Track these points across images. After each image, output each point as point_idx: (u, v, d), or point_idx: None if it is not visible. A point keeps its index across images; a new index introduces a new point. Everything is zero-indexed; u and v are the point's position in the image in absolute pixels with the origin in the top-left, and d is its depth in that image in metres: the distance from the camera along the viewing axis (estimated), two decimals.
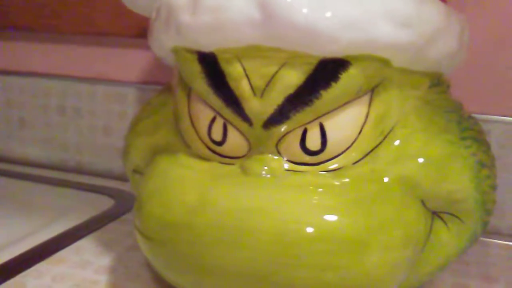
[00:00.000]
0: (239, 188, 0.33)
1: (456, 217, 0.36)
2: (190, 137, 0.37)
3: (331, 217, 0.32)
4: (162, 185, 0.36)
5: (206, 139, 0.36)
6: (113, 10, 0.63)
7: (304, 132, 0.33)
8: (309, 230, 0.31)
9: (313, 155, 0.34)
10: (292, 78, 0.32)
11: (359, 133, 0.34)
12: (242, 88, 0.33)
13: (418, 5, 0.32)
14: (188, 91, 0.37)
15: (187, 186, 0.35)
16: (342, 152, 0.34)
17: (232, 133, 0.35)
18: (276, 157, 0.34)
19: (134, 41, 0.64)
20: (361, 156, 0.34)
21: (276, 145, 0.34)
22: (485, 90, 0.53)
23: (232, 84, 0.33)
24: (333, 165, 0.34)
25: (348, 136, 0.34)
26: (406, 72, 0.34)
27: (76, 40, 0.67)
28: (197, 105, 0.36)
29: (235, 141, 0.35)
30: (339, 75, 0.32)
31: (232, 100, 0.33)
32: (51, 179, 0.67)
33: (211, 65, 0.33)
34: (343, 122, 0.33)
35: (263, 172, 0.34)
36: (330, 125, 0.33)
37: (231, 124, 0.35)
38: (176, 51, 0.36)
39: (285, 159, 0.34)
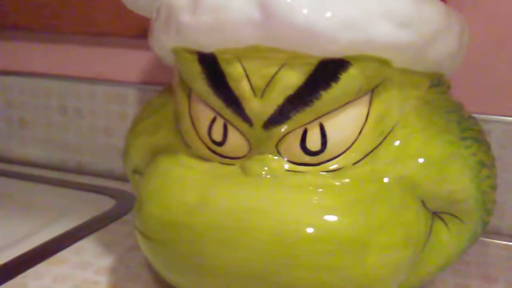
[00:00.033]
0: (239, 188, 0.33)
1: (456, 217, 0.36)
2: (190, 137, 0.37)
3: (331, 218, 0.32)
4: (162, 185, 0.36)
5: (207, 140, 0.36)
6: (113, 10, 0.63)
7: (304, 133, 0.33)
8: (309, 230, 0.31)
9: (313, 156, 0.34)
10: (292, 79, 0.32)
11: (359, 133, 0.34)
12: (242, 88, 0.33)
13: (418, 5, 0.32)
14: (189, 92, 0.37)
15: (187, 186, 0.35)
16: (342, 153, 0.34)
17: (233, 134, 0.35)
18: (276, 158, 0.34)
19: (134, 42, 0.64)
20: (361, 157, 0.34)
21: (276, 145, 0.34)
22: (485, 90, 0.53)
23: (232, 84, 0.33)
24: (333, 165, 0.34)
25: (348, 136, 0.34)
26: (406, 72, 0.34)
27: (77, 40, 0.67)
28: (197, 106, 0.36)
29: (235, 142, 0.35)
30: (339, 76, 0.32)
31: (232, 100, 0.33)
32: (52, 180, 0.67)
33: (211, 65, 0.33)
34: (343, 122, 0.33)
35: (263, 173, 0.34)
36: (330, 125, 0.33)
37: (232, 124, 0.35)
38: (176, 51, 0.36)
39: (285, 159, 0.34)
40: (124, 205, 0.57)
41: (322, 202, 0.32)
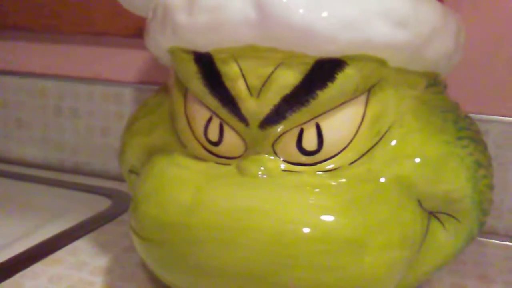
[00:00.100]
0: (235, 188, 0.33)
1: (453, 217, 0.36)
2: (186, 137, 0.37)
3: (328, 218, 0.32)
4: (158, 185, 0.36)
5: (203, 139, 0.36)
6: (110, 10, 0.63)
7: (301, 132, 0.33)
8: (306, 230, 0.31)
9: (309, 155, 0.34)
10: (288, 78, 0.32)
11: (356, 133, 0.34)
12: (238, 88, 0.33)
13: (414, 5, 0.32)
14: (185, 91, 0.37)
15: (183, 186, 0.34)
16: (339, 152, 0.34)
17: (229, 133, 0.35)
18: (272, 158, 0.34)
19: (131, 41, 0.64)
20: (357, 156, 0.34)
21: (273, 145, 0.34)
22: (482, 90, 0.53)
23: (228, 84, 0.33)
24: (329, 165, 0.34)
25: (345, 136, 0.34)
26: (402, 72, 0.34)
27: (73, 40, 0.67)
28: (193, 105, 0.36)
29: (231, 141, 0.35)
30: (336, 75, 0.31)
31: (228, 100, 0.33)
32: (48, 180, 0.66)
33: (207, 65, 0.33)
34: (340, 122, 0.33)
35: (260, 173, 0.34)
36: (327, 125, 0.33)
37: (228, 124, 0.35)
38: (172, 51, 0.36)
39: (282, 159, 0.34)
40: (120, 205, 0.57)
41: (318, 202, 0.32)
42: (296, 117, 0.33)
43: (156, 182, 0.36)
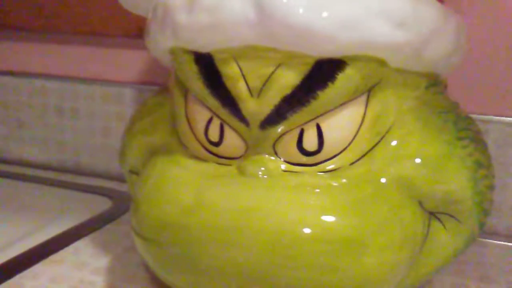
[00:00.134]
0: (235, 189, 0.33)
1: (454, 217, 0.36)
2: (187, 137, 0.37)
3: (328, 218, 0.32)
4: (158, 185, 0.36)
5: (203, 140, 0.36)
6: (110, 10, 0.63)
7: (301, 133, 0.33)
8: (306, 231, 0.31)
9: (310, 156, 0.34)
10: (288, 79, 0.32)
11: (356, 133, 0.34)
12: (239, 88, 0.33)
13: (414, 5, 0.32)
14: (185, 92, 0.37)
15: (184, 187, 0.34)
16: (339, 153, 0.34)
17: (229, 134, 0.35)
18: (273, 158, 0.34)
19: (131, 42, 0.64)
20: (358, 157, 0.34)
21: (273, 145, 0.34)
22: (483, 91, 0.53)
23: (229, 84, 0.33)
24: (330, 165, 0.34)
25: (345, 136, 0.34)
26: (403, 72, 0.34)
27: (74, 41, 0.67)
28: (194, 106, 0.36)
29: (231, 142, 0.35)
30: (336, 76, 0.31)
31: (228, 100, 0.33)
32: (49, 180, 0.66)
33: (207, 65, 0.33)
34: (340, 122, 0.33)
35: (260, 173, 0.34)
36: (327, 125, 0.33)
37: (228, 124, 0.35)
38: (172, 51, 0.36)
39: (282, 159, 0.34)
40: (121, 206, 0.57)
41: (319, 203, 0.32)
42: (296, 118, 0.33)
43: (157, 183, 0.36)
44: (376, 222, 0.32)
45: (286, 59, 0.31)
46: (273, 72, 0.32)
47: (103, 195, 0.61)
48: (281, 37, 0.30)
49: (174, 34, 0.34)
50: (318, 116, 0.33)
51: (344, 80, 0.32)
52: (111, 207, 0.57)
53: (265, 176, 0.34)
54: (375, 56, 0.32)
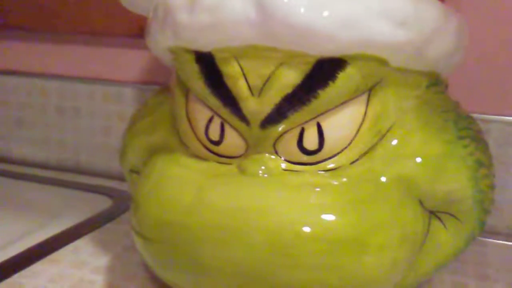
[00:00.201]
0: (236, 188, 0.33)
1: (454, 216, 0.36)
2: (187, 136, 0.37)
3: (329, 217, 0.32)
4: (159, 184, 0.36)
5: (204, 139, 0.36)
6: (111, 10, 0.63)
7: (302, 132, 0.33)
8: (307, 229, 0.31)
9: (310, 155, 0.34)
10: (289, 78, 0.32)
11: (357, 132, 0.34)
12: (240, 87, 0.33)
13: (415, 4, 0.32)
14: (186, 91, 0.37)
15: (184, 186, 0.34)
16: (340, 152, 0.34)
17: (230, 133, 0.35)
18: (273, 157, 0.34)
19: (132, 41, 0.64)
20: (358, 156, 0.34)
21: (274, 144, 0.34)
22: (484, 90, 0.53)
23: (230, 83, 0.33)
24: (330, 164, 0.34)
25: (346, 135, 0.34)
26: (403, 71, 0.34)
27: (74, 40, 0.67)
28: (194, 105, 0.36)
29: (232, 141, 0.35)
30: (337, 75, 0.31)
31: (229, 99, 0.33)
32: (49, 179, 0.66)
33: (208, 65, 0.33)
34: (341, 121, 0.33)
35: (260, 172, 0.34)
36: (328, 124, 0.33)
37: (229, 123, 0.35)
38: (173, 51, 0.36)
39: (283, 158, 0.34)
40: (121, 205, 0.57)
41: (319, 202, 0.32)
42: (297, 117, 0.33)
43: (157, 182, 0.36)
44: (376, 221, 0.32)
45: (287, 58, 0.31)
46: (273, 71, 0.32)
47: (103, 194, 0.61)
48: (282, 36, 0.30)
49: (175, 34, 0.34)
50: (318, 115, 0.33)
51: (345, 79, 0.32)
52: (111, 206, 0.57)
53: (265, 175, 0.34)
54: (376, 55, 0.32)
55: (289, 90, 0.32)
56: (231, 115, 0.34)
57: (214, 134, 0.35)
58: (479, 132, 0.38)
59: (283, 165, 0.34)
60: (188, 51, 0.34)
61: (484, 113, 0.52)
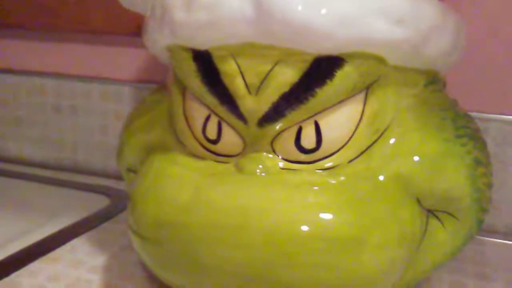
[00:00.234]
0: (233, 187, 0.33)
1: (452, 215, 0.36)
2: (184, 135, 0.37)
3: (327, 216, 0.32)
4: (156, 183, 0.36)
5: (201, 138, 0.36)
6: (108, 8, 0.62)
7: (299, 130, 0.33)
8: (304, 228, 0.31)
9: (308, 154, 0.34)
10: (287, 76, 0.32)
11: (354, 131, 0.33)
12: (237, 85, 0.32)
13: (413, 3, 0.32)
14: (183, 90, 0.37)
15: (181, 185, 0.34)
16: (338, 150, 0.34)
17: (227, 132, 0.35)
18: (271, 156, 0.34)
19: (130, 40, 0.64)
20: (356, 154, 0.34)
21: (271, 143, 0.34)
22: (482, 89, 0.53)
23: (227, 81, 0.33)
24: (328, 163, 0.34)
25: (343, 134, 0.33)
26: (401, 70, 0.34)
27: (72, 39, 0.67)
28: (192, 104, 0.36)
29: (229, 140, 0.35)
30: (334, 73, 0.31)
31: (226, 98, 0.33)
32: (46, 178, 0.66)
33: (205, 63, 0.33)
34: (338, 120, 0.33)
35: (258, 171, 0.34)
36: (325, 123, 0.33)
37: (226, 122, 0.35)
38: (170, 49, 0.36)
39: (280, 157, 0.34)
40: (118, 204, 0.57)
41: (317, 200, 0.32)
42: (294, 115, 0.32)
43: (154, 181, 0.36)
44: (374, 220, 0.32)
45: (284, 56, 0.31)
46: (271, 70, 0.32)
47: (101, 193, 0.61)
48: (279, 34, 0.30)
49: (172, 32, 0.34)
50: (316, 114, 0.33)
51: (343, 77, 0.31)
52: (109, 205, 0.57)
53: (263, 174, 0.34)
54: (374, 53, 0.32)
55: (286, 88, 0.32)
56: (228, 114, 0.34)
57: (211, 132, 0.35)
58: (477, 130, 0.37)
59: (281, 164, 0.34)
60: (185, 49, 0.34)
61: (482, 112, 0.52)
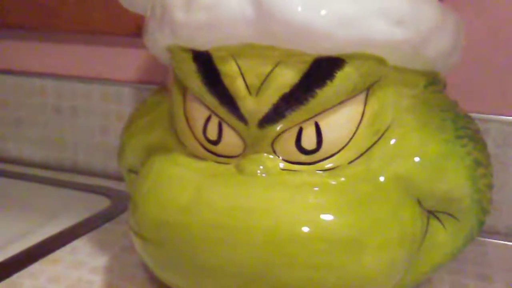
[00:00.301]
0: (234, 187, 0.33)
1: (452, 216, 0.36)
2: (185, 136, 0.37)
3: (327, 217, 0.32)
4: (157, 184, 0.36)
5: (201, 138, 0.36)
6: (109, 9, 0.62)
7: (300, 131, 0.33)
8: (305, 229, 0.31)
9: (308, 154, 0.34)
10: (287, 77, 0.32)
11: (355, 132, 0.33)
12: (237, 86, 0.32)
13: (413, 3, 0.32)
14: (184, 90, 0.37)
15: (182, 186, 0.34)
16: (338, 151, 0.34)
17: (227, 132, 0.35)
18: (271, 157, 0.34)
19: (130, 40, 0.64)
20: (356, 155, 0.34)
21: (272, 144, 0.34)
22: (482, 89, 0.53)
23: (227, 82, 0.33)
24: (328, 164, 0.34)
25: (344, 135, 0.33)
26: (401, 70, 0.34)
27: (73, 39, 0.67)
28: (192, 104, 0.36)
29: (230, 140, 0.35)
30: (335, 74, 0.31)
31: (227, 98, 0.33)
32: (47, 179, 0.66)
33: (206, 63, 0.33)
34: (339, 121, 0.33)
35: (258, 172, 0.34)
36: (326, 124, 0.33)
37: (226, 123, 0.35)
38: (171, 49, 0.36)
39: (281, 158, 0.34)
40: (119, 205, 0.57)
41: (317, 201, 0.32)
42: (295, 116, 0.32)
43: (155, 181, 0.36)
44: (375, 221, 0.32)
45: (285, 57, 0.31)
46: (271, 71, 0.32)
47: (101, 194, 0.61)
48: (279, 35, 0.30)
49: (173, 32, 0.34)
50: (316, 115, 0.33)
51: (343, 78, 0.31)
52: (109, 206, 0.57)
53: (263, 175, 0.34)
54: (374, 54, 0.32)
55: (287, 89, 0.32)
56: (228, 114, 0.34)
57: (212, 133, 0.35)
58: (477, 131, 0.37)
59: (281, 165, 0.34)
60: (185, 49, 0.34)
61: (483, 113, 0.52)
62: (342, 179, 0.33)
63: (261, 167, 0.34)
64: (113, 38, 0.65)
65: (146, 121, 0.41)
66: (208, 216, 0.33)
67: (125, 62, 0.65)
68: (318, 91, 0.31)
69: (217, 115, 0.35)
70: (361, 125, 0.33)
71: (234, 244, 0.32)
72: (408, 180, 0.34)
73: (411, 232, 0.34)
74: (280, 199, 0.32)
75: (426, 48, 0.33)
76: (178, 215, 0.33)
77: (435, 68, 0.36)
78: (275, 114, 0.32)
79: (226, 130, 0.35)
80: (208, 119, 0.35)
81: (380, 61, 0.32)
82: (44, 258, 0.45)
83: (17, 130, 0.72)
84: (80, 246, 0.48)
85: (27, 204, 0.59)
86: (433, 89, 0.36)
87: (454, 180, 0.35)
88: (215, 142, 0.35)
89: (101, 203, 0.58)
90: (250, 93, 0.32)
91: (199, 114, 0.36)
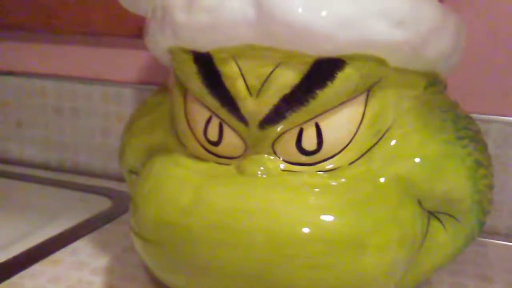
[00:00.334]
0: (234, 188, 0.33)
1: (453, 217, 0.36)
2: (186, 137, 0.37)
3: (327, 217, 0.32)
4: (157, 185, 0.36)
5: (202, 139, 0.36)
6: (110, 10, 0.62)
7: (300, 132, 0.33)
8: (305, 230, 0.31)
9: (309, 155, 0.34)
10: (287, 78, 0.32)
11: (355, 133, 0.33)
12: (238, 88, 0.33)
13: (413, 4, 0.32)
14: (184, 92, 0.37)
15: (183, 187, 0.34)
16: (338, 152, 0.34)
17: (228, 133, 0.35)
18: (272, 157, 0.34)
19: (131, 41, 0.64)
20: (357, 156, 0.34)
21: (272, 145, 0.34)
22: (483, 90, 0.53)
23: (228, 84, 0.33)
24: (329, 165, 0.34)
25: (344, 136, 0.33)
26: (402, 71, 0.34)
27: (73, 40, 0.67)
28: (193, 105, 0.36)
29: (231, 141, 0.35)
30: (335, 75, 0.31)
31: (227, 100, 0.33)
32: (48, 180, 0.66)
33: (206, 65, 0.33)
34: (339, 122, 0.33)
35: (259, 172, 0.34)
36: (326, 125, 0.33)
37: (227, 124, 0.35)
38: (172, 51, 0.36)
39: (281, 159, 0.34)
40: (120, 206, 0.57)
41: (318, 202, 0.32)
42: (295, 117, 0.33)
43: (156, 182, 0.36)
44: (375, 222, 0.32)
45: (285, 58, 0.31)
46: (272, 72, 0.32)
47: (102, 195, 0.61)
48: (280, 36, 0.30)
49: (174, 34, 0.34)
50: (317, 116, 0.33)
51: (343, 79, 0.32)
52: (110, 207, 0.57)
53: (264, 176, 0.34)
54: (374, 55, 0.32)
55: (287, 90, 0.32)
56: (229, 116, 0.34)
57: (213, 134, 0.35)
58: (478, 132, 0.38)
59: (282, 166, 0.34)
60: (186, 51, 0.34)
61: (483, 113, 0.52)
62: (343, 180, 0.33)
63: (261, 168, 0.34)
64: (113, 39, 0.65)
65: (147, 122, 0.41)
66: (208, 217, 0.33)
67: (125, 63, 0.65)
68: (318, 92, 0.32)
69: (217, 116, 0.35)
70: (362, 126, 0.33)
71: (235, 245, 0.32)
72: (408, 181, 0.34)
73: (411, 233, 0.34)
74: (280, 200, 0.32)
75: (426, 49, 0.33)
76: (178, 216, 0.34)
77: (435, 69, 0.36)
78: (276, 115, 0.32)
79: (227, 131, 0.35)
80: (208, 120, 0.35)
81: (381, 62, 0.32)
82: (45, 259, 0.45)
83: (18, 131, 0.72)
84: (81, 247, 0.48)
85: (28, 205, 0.59)
86: (433, 90, 0.37)
87: (454, 181, 0.35)
88: (216, 143, 0.35)
89: (102, 204, 0.58)
90: (250, 94, 0.32)
91: (199, 115, 0.36)
